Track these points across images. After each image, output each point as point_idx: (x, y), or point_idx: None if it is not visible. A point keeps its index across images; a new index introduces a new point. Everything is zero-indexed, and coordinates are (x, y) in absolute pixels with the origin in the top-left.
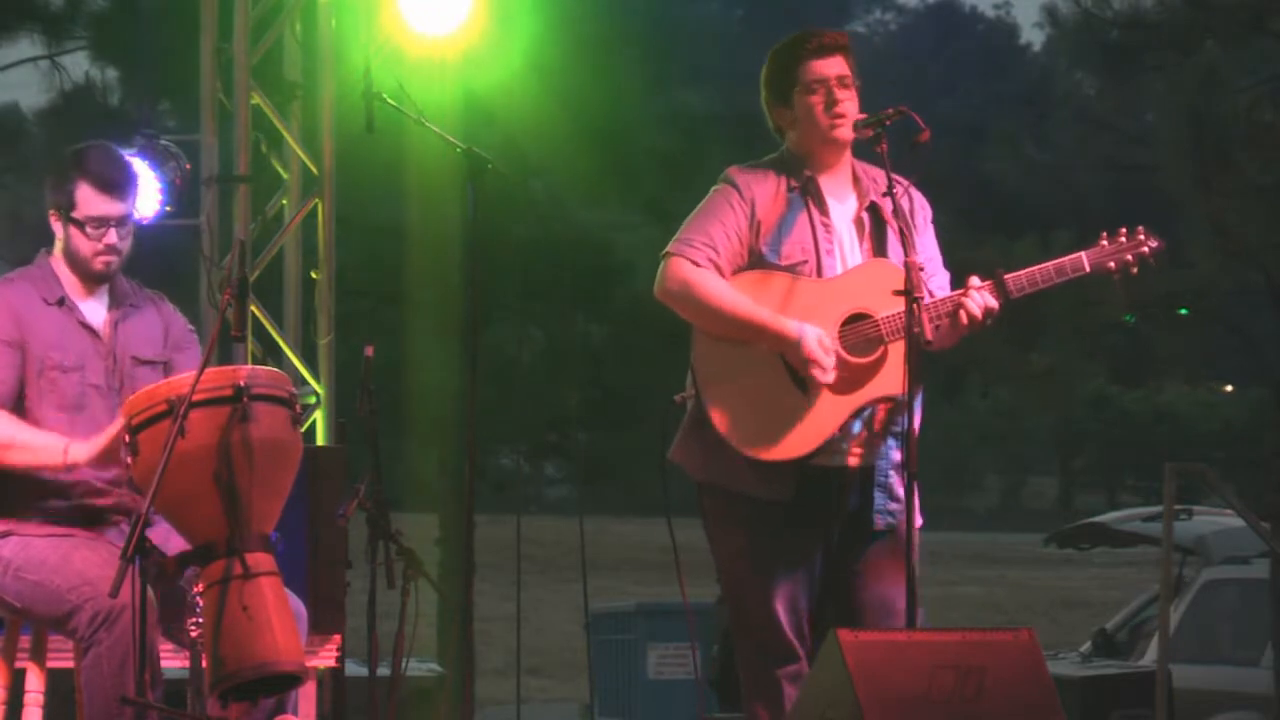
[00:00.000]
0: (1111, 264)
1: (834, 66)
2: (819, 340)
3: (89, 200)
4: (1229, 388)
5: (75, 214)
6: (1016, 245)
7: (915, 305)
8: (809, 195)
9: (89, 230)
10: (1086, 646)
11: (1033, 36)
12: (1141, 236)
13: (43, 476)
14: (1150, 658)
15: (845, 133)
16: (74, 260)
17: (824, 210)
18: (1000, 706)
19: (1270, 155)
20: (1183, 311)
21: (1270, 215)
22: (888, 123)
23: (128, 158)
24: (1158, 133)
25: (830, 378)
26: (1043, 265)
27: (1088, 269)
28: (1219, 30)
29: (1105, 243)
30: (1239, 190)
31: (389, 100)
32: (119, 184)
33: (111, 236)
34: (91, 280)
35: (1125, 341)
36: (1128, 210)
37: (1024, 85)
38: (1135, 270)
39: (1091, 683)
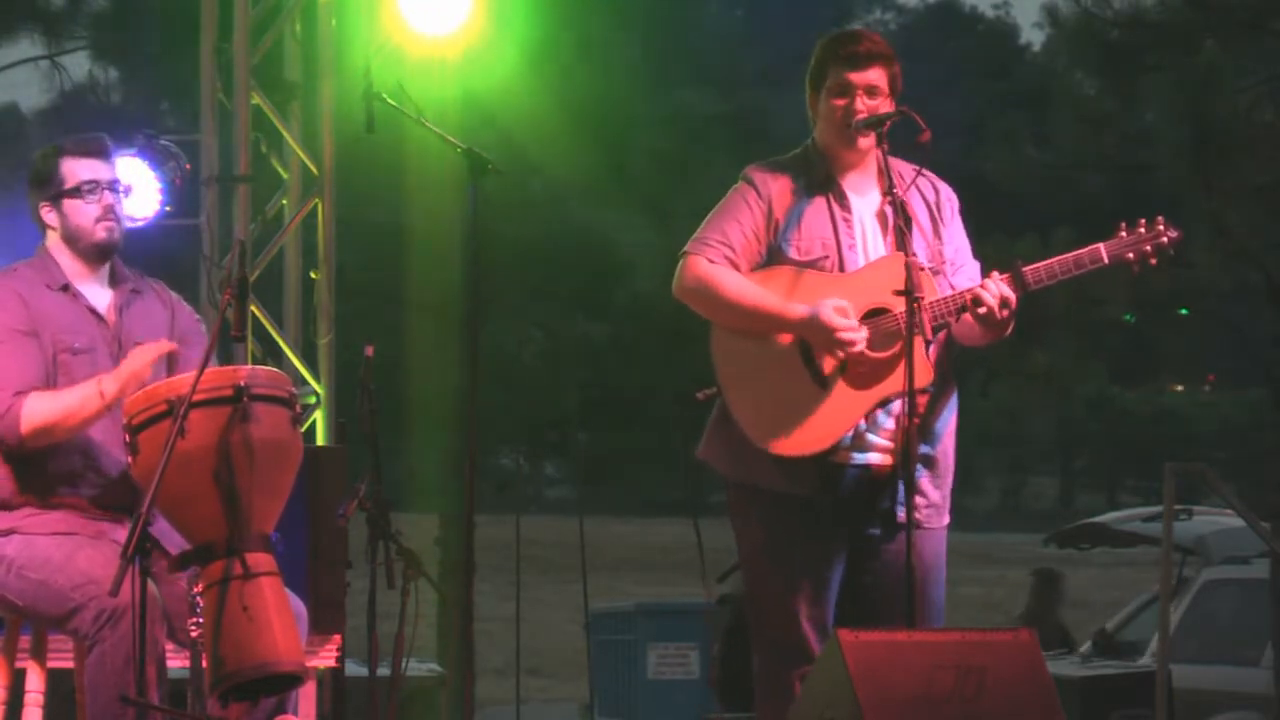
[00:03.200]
0: (1130, 255)
1: (866, 77)
2: (835, 308)
3: (76, 170)
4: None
5: (67, 187)
6: (1016, 245)
7: (916, 304)
8: (829, 190)
9: (85, 195)
10: (1086, 646)
11: (1033, 36)
12: (1160, 227)
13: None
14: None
15: (862, 144)
16: (75, 238)
17: (845, 205)
18: (1000, 706)
19: (1270, 155)
20: (1183, 311)
21: (1270, 215)
22: (887, 124)
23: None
24: (1158, 133)
25: (860, 343)
26: (1061, 257)
27: (1106, 260)
28: (1219, 30)
29: (1124, 234)
30: (1239, 190)
31: (389, 100)
32: (99, 148)
33: (108, 198)
34: (94, 256)
35: (1125, 341)
36: (1128, 210)
37: (1024, 85)
38: (1154, 261)
39: (1091, 683)
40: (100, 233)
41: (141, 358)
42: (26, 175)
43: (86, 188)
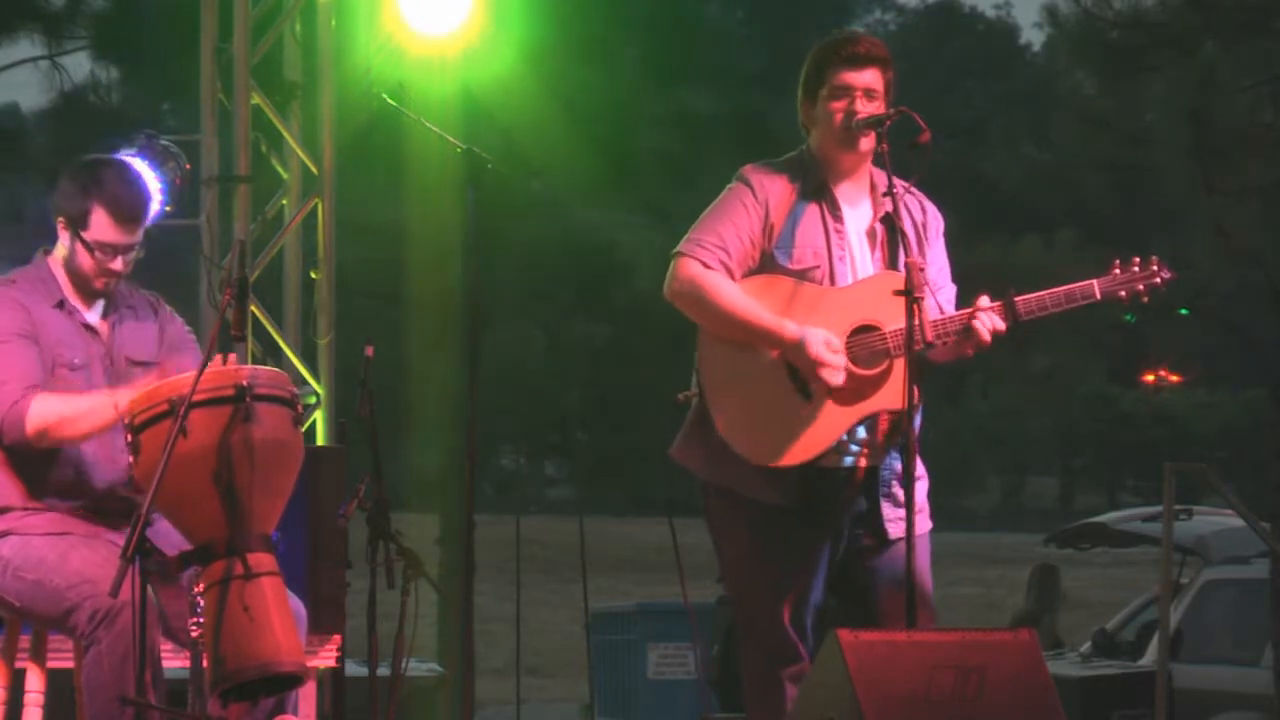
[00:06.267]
0: (1122, 293)
1: (864, 78)
2: (825, 342)
3: (103, 226)
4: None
5: (86, 235)
6: (1017, 245)
7: (915, 305)
8: (823, 199)
9: (97, 255)
10: (1086, 646)
11: (1033, 36)
12: (1154, 267)
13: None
14: (1150, 657)
15: (863, 144)
16: (74, 273)
17: (838, 216)
18: (1000, 706)
19: (1270, 155)
20: (1183, 311)
21: (1270, 215)
22: (888, 123)
23: (142, 179)
24: (1158, 133)
25: (839, 378)
26: (1054, 290)
27: (1098, 297)
28: (1219, 30)
29: (1118, 271)
30: (1239, 190)
31: (389, 100)
32: (135, 214)
33: (118, 263)
34: (88, 295)
35: (1125, 341)
36: (1128, 210)
37: (1024, 85)
38: (1146, 299)
39: (1091, 683)
40: (96, 284)
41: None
42: (62, 170)
43: (102, 249)
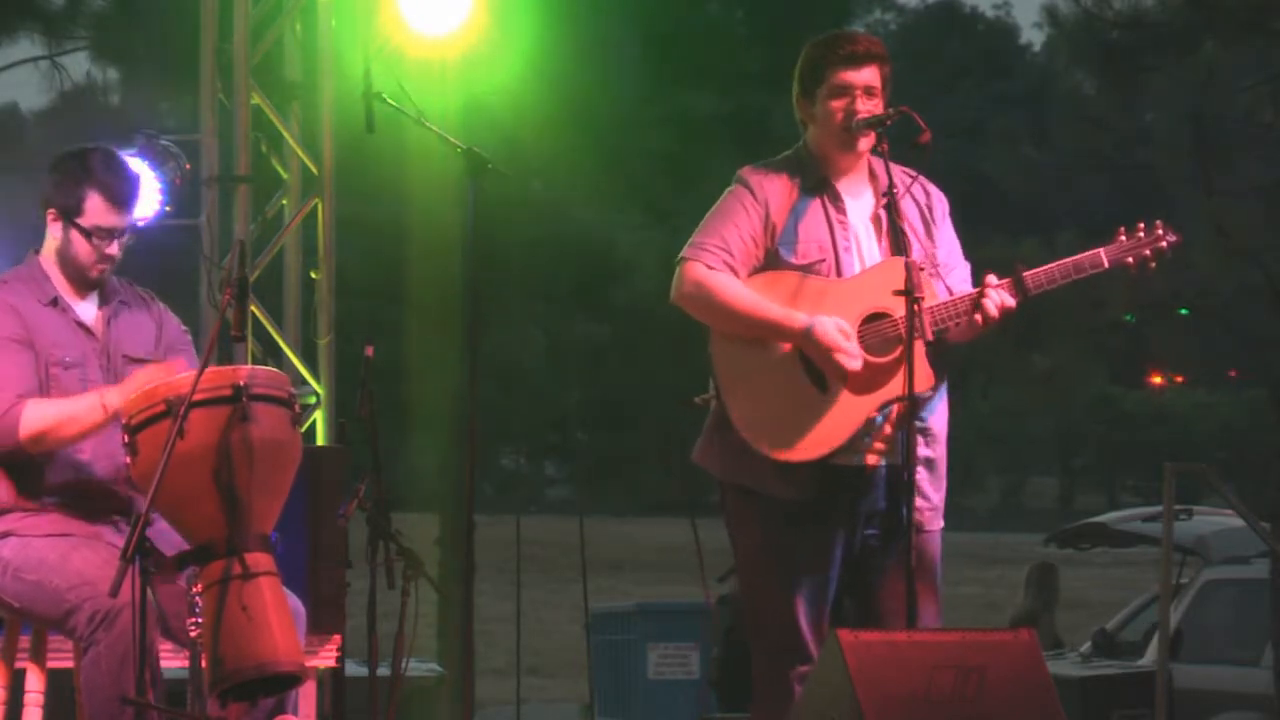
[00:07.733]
0: (1130, 259)
1: (863, 76)
2: (837, 326)
3: (98, 211)
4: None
5: (81, 221)
6: (1017, 246)
7: (916, 305)
8: (824, 193)
9: (94, 240)
10: (1086, 646)
11: (1033, 36)
12: (1159, 231)
13: (76, 457)
14: (1150, 657)
15: (863, 143)
16: (68, 264)
17: (840, 208)
18: (1000, 707)
19: (1270, 155)
20: (1183, 311)
21: (1270, 215)
22: (888, 123)
23: (129, 163)
24: (1158, 133)
25: (857, 363)
26: (1061, 262)
27: (1106, 265)
28: (1219, 30)
29: (1123, 238)
30: (1239, 190)
31: (389, 100)
32: (127, 196)
33: (114, 248)
34: (81, 284)
35: (1126, 342)
36: (1128, 210)
37: (1024, 85)
38: (1153, 265)
39: (1091, 683)
40: (93, 272)
41: (147, 377)
42: (50, 164)
43: (98, 234)
